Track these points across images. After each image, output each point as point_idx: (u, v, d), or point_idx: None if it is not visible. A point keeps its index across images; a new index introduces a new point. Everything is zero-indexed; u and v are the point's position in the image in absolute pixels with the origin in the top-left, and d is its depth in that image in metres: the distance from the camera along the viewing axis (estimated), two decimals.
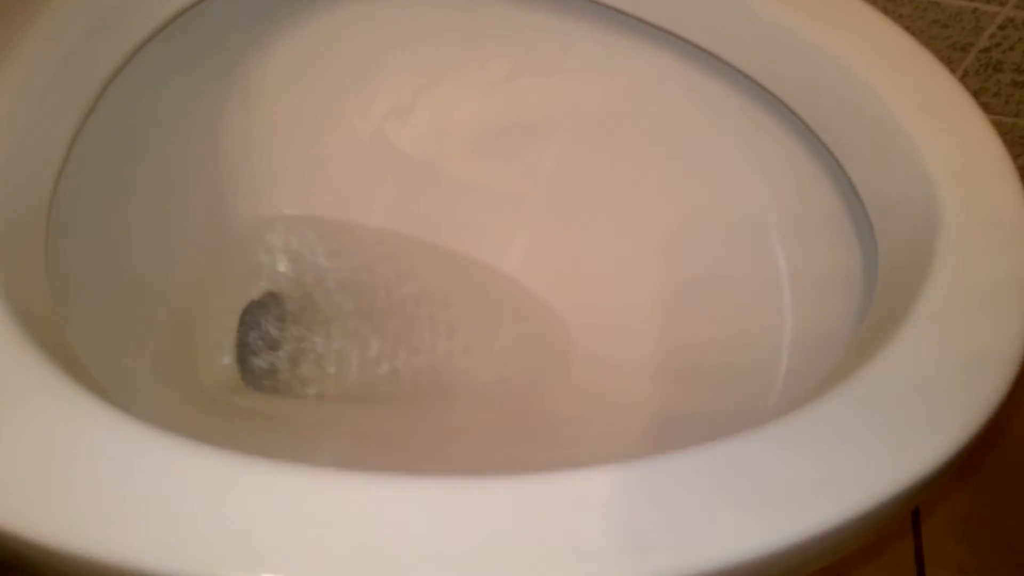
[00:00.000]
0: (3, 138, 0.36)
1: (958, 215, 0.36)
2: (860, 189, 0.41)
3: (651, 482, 0.28)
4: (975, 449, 0.32)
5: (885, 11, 0.69)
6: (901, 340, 0.32)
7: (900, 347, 0.32)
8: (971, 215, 0.36)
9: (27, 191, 0.37)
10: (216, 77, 0.53)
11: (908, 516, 0.76)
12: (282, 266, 0.57)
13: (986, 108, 0.75)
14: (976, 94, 0.74)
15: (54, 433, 0.28)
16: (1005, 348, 0.32)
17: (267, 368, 0.54)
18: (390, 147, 0.58)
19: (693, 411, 0.47)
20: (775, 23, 0.44)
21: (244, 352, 0.54)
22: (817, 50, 0.43)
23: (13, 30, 0.39)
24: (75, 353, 0.34)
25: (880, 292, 0.37)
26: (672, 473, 0.28)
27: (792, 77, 0.45)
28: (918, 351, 0.32)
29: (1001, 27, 0.68)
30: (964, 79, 0.73)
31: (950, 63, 0.72)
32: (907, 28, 0.70)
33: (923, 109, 0.40)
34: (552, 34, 0.53)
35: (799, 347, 0.45)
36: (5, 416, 0.28)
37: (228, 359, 0.53)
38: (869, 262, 0.42)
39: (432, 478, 0.27)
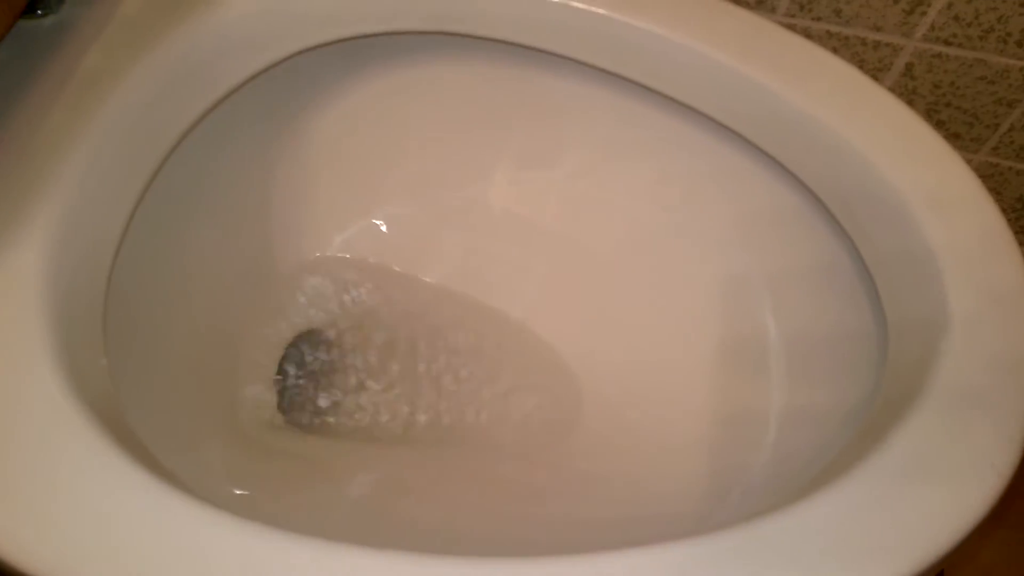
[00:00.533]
0: (74, 212, 0.38)
1: (964, 311, 0.37)
2: (868, 265, 0.43)
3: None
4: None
5: (930, 68, 0.69)
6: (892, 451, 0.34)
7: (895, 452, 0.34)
8: (977, 312, 0.38)
9: (91, 259, 0.39)
10: (272, 135, 0.56)
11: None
12: (322, 307, 0.59)
13: None
14: None
15: (102, 505, 0.30)
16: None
17: (303, 406, 0.56)
18: (431, 201, 0.61)
19: (700, 469, 0.49)
20: (803, 113, 0.46)
21: (283, 388, 0.57)
22: (840, 140, 0.44)
23: (85, 103, 0.42)
24: (125, 417, 0.36)
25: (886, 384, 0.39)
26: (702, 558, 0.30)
27: (814, 163, 0.46)
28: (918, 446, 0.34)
29: None
30: (1010, 133, 0.73)
31: (995, 118, 0.71)
32: (952, 84, 0.70)
33: (940, 206, 0.41)
34: (581, 101, 0.55)
35: (789, 421, 0.47)
36: (56, 490, 0.31)
37: (268, 395, 0.55)
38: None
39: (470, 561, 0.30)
